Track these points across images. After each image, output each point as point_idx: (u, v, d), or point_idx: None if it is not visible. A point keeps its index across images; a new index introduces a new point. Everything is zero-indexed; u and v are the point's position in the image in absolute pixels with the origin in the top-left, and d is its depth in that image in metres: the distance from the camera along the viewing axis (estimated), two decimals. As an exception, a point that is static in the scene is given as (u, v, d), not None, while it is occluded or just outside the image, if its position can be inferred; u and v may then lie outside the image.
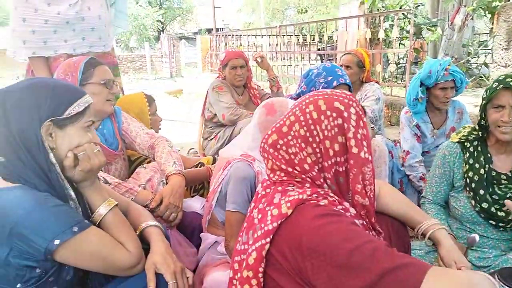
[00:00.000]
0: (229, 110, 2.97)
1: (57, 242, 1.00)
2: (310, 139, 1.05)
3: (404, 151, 2.55)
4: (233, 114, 2.96)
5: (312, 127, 1.05)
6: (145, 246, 1.21)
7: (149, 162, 2.07)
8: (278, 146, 1.08)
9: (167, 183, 1.78)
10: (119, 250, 1.10)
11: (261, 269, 1.02)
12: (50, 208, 1.03)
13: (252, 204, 1.15)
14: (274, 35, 7.55)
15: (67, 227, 1.02)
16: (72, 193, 1.13)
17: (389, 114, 4.49)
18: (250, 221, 1.11)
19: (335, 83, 2.04)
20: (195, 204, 2.11)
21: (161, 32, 23.05)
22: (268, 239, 1.00)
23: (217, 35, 9.73)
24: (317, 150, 1.05)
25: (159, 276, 1.14)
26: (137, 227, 1.26)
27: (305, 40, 7.62)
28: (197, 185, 2.32)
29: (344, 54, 3.13)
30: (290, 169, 1.07)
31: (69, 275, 1.11)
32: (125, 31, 3.09)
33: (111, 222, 1.16)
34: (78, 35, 2.24)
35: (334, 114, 1.05)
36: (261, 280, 1.02)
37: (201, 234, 1.81)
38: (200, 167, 2.36)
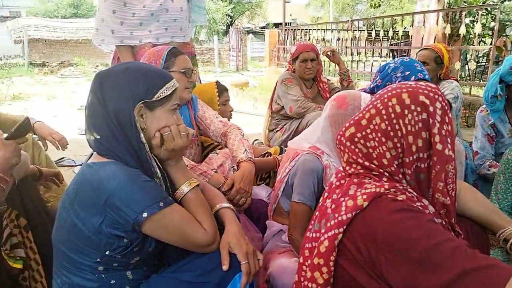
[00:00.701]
0: (297, 103, 2.97)
1: (145, 214, 1.08)
2: (392, 133, 1.03)
3: (474, 151, 2.42)
4: (301, 107, 2.96)
5: (395, 121, 1.03)
6: (219, 227, 1.26)
7: (220, 148, 2.15)
8: (356, 139, 1.07)
9: (237, 169, 1.84)
10: (197, 228, 1.17)
11: (332, 258, 1.02)
12: (140, 183, 1.11)
13: (325, 194, 1.16)
14: (344, 29, 7.40)
15: (154, 201, 1.09)
16: (158, 171, 1.20)
17: (466, 115, 4.24)
18: (322, 210, 1.12)
19: (413, 78, 1.97)
20: (261, 192, 2.15)
21: (230, 26, 23.48)
22: (341, 229, 1.00)
23: (285, 29, 9.73)
24: (398, 145, 1.03)
25: (232, 256, 1.18)
26: (212, 207, 1.32)
27: (378, 36, 7.38)
28: (264, 174, 2.36)
29: (421, 49, 3.00)
30: (367, 163, 1.06)
31: (151, 247, 1.20)
32: (203, 24, 3.21)
33: (191, 200, 1.22)
34: (161, 25, 2.37)
35: (419, 109, 1.02)
36: (332, 268, 1.03)
37: (267, 222, 1.85)
38: (267, 156, 2.40)
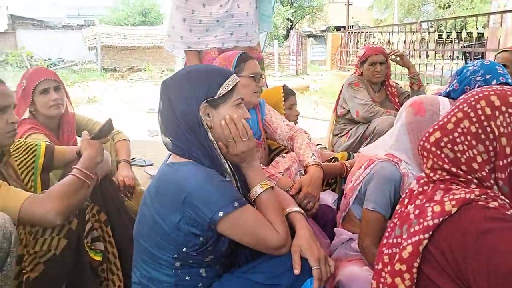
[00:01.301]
0: (364, 107, 2.90)
1: (221, 214, 1.11)
2: (483, 136, 0.97)
3: None
4: (368, 111, 2.89)
5: (485, 123, 0.97)
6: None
7: (287, 152, 2.15)
8: (442, 144, 1.02)
9: (305, 173, 1.83)
10: (269, 230, 1.17)
11: (416, 264, 0.98)
12: (217, 182, 1.14)
13: (405, 200, 1.11)
14: (410, 31, 7.11)
15: (230, 201, 1.12)
16: (228, 168, 1.24)
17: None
18: (404, 216, 1.07)
19: (494, 82, 1.84)
20: (327, 197, 2.12)
21: (290, 30, 23.52)
22: (427, 235, 0.96)
23: (348, 32, 9.55)
24: (490, 148, 0.96)
25: (303, 260, 1.18)
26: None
27: (448, 37, 7.01)
28: (330, 179, 2.32)
29: (501, 51, 2.81)
30: (454, 169, 1.00)
31: (224, 247, 1.22)
32: (267, 31, 3.24)
33: (264, 202, 1.24)
34: (227, 31, 2.44)
35: (510, 110, 0.96)
36: (415, 275, 0.98)
37: (335, 229, 1.82)
38: (334, 162, 2.36)
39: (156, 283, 1.23)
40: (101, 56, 18.89)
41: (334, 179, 2.33)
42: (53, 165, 1.75)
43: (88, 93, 9.77)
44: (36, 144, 1.71)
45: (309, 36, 21.86)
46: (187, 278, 1.23)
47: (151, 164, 3.77)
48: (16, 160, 1.62)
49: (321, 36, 23.72)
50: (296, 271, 1.15)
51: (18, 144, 1.68)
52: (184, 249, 1.18)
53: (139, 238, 1.25)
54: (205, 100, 1.19)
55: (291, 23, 26.15)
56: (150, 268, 1.24)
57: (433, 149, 1.04)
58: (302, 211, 1.34)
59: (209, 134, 1.20)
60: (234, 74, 1.27)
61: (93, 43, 19.37)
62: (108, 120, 1.65)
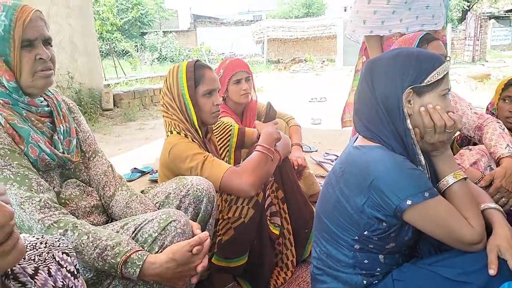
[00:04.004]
0: None
1: (408, 202, 1.07)
2: None
3: None
4: None
5: None
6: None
7: (474, 144, 1.95)
8: None
9: (497, 166, 1.63)
10: (463, 224, 1.09)
11: None
12: (406, 170, 1.10)
13: None
14: None
15: (419, 190, 1.07)
16: (423, 159, 1.17)
17: None
18: None
19: None
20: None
21: (467, 12, 20.92)
22: None
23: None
24: None
25: (500, 262, 1.06)
26: None
27: None
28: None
29: None
30: None
31: (407, 236, 1.19)
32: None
33: (456, 193, 1.15)
34: (412, 13, 2.29)
35: None
36: None
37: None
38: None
39: (334, 261, 1.27)
40: (266, 48, 20.08)
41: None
42: (244, 144, 1.97)
43: (256, 83, 10.50)
44: (231, 125, 1.96)
45: (490, 17, 19.08)
46: (365, 261, 1.23)
47: (316, 151, 3.88)
48: (216, 138, 1.89)
49: (506, 17, 20.41)
50: (492, 271, 1.05)
51: (217, 124, 1.95)
52: (365, 232, 1.18)
53: (321, 215, 1.31)
54: (411, 86, 1.14)
55: (468, 3, 23.22)
56: (329, 245, 1.28)
57: None
58: (501, 209, 1.20)
59: (408, 121, 1.14)
60: (446, 62, 1.19)
61: (260, 37, 20.71)
62: (268, 104, 1.88)
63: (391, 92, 1.15)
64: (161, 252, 1.12)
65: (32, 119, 1.20)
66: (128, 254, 1.06)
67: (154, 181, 3.25)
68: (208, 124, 1.71)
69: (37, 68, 1.16)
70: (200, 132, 1.65)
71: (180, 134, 1.61)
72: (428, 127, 1.14)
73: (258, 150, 1.59)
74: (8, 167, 1.08)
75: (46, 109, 1.26)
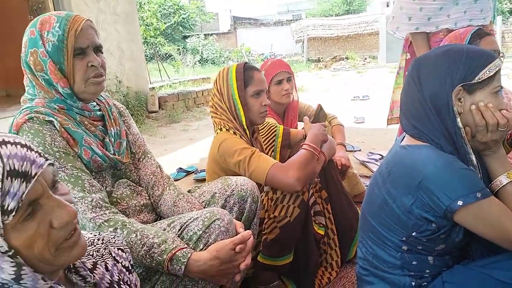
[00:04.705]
0: None
1: (460, 203, 1.04)
2: None
3: None
4: None
5: None
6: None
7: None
8: None
9: None
10: None
11: None
12: (457, 170, 1.07)
13: None
14: None
15: (471, 191, 1.04)
16: (474, 159, 1.13)
17: None
18: None
19: None
20: None
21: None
22: None
23: None
24: None
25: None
26: None
27: None
28: None
29: None
30: None
31: (458, 238, 1.15)
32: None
33: (510, 194, 1.11)
34: (460, 9, 2.20)
35: None
36: None
37: None
38: None
39: (381, 262, 1.26)
40: (306, 47, 19.94)
41: None
42: (289, 144, 1.99)
43: (297, 83, 10.46)
44: (276, 126, 1.99)
45: (546, 7, 17.88)
46: (414, 263, 1.21)
47: (359, 150, 3.81)
48: (262, 138, 1.93)
49: None
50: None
51: (262, 125, 1.98)
52: (413, 234, 1.16)
53: (367, 215, 1.29)
54: (461, 84, 1.11)
55: (521, -6, 21.88)
56: (376, 246, 1.27)
57: None
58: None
59: (458, 120, 1.11)
60: (499, 58, 1.14)
61: (300, 36, 20.58)
62: (318, 106, 1.87)
63: (440, 90, 1.12)
64: (205, 249, 1.15)
65: (86, 123, 1.27)
66: (173, 252, 1.10)
67: (199, 181, 3.33)
68: (256, 124, 1.77)
69: (89, 75, 1.23)
70: (248, 132, 1.70)
71: (229, 131, 1.67)
72: (480, 126, 1.11)
73: (304, 148, 1.61)
74: (63, 169, 1.15)
75: (98, 113, 1.33)
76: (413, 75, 1.18)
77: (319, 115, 1.87)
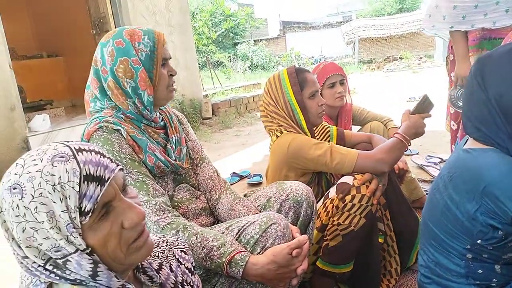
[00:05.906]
0: None
1: None
2: None
3: None
4: None
5: None
6: None
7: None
8: None
9: None
10: None
11: None
12: None
13: None
14: None
15: None
16: None
17: None
18: None
19: None
20: None
21: None
22: None
23: None
24: None
25: None
26: None
27: None
28: None
29: None
30: None
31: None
32: None
33: None
34: (500, 7, 2.07)
35: None
36: None
37: None
38: None
39: (443, 270, 1.21)
40: (358, 49, 19.54)
41: None
42: (344, 145, 1.96)
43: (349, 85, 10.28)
44: (329, 126, 1.98)
45: None
46: (480, 271, 1.15)
47: (417, 153, 3.68)
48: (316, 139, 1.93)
49: None
50: None
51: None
52: (479, 241, 1.11)
53: (428, 222, 1.25)
54: None
55: None
56: (438, 253, 1.22)
57: None
58: None
59: None
60: None
61: (351, 38, 20.22)
62: (425, 96, 1.66)
63: (506, 91, 1.07)
64: (262, 253, 1.16)
65: (149, 131, 1.35)
66: (232, 255, 1.13)
67: (252, 185, 3.37)
68: (316, 124, 1.80)
69: (169, 83, 1.35)
70: (309, 135, 1.73)
71: (291, 132, 1.70)
72: None
73: (395, 137, 1.61)
74: (129, 174, 1.22)
75: (162, 123, 1.40)
76: (476, 75, 1.13)
77: (423, 105, 1.67)
